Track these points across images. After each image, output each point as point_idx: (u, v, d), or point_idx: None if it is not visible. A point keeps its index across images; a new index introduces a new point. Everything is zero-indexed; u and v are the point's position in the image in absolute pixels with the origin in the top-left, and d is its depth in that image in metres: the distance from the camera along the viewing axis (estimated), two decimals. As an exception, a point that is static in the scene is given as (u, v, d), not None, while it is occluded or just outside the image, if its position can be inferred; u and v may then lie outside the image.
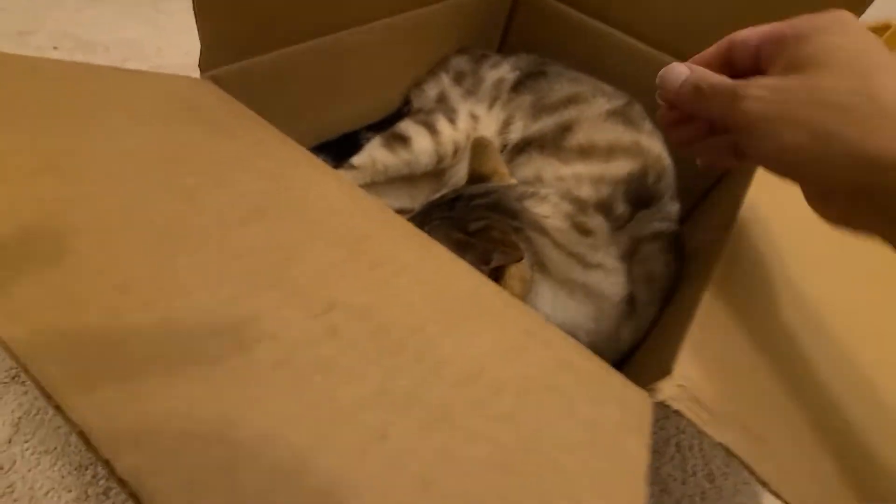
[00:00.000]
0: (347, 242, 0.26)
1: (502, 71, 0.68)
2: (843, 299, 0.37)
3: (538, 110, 0.61)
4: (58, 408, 0.13)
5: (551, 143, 0.57)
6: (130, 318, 0.16)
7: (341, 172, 0.59)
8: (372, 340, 0.20)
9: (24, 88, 0.26)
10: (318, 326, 0.19)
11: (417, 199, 0.66)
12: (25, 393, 0.42)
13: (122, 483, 0.11)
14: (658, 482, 0.49)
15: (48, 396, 0.13)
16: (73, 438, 0.40)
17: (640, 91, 0.66)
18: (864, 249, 0.26)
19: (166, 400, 0.14)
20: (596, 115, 0.58)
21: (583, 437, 0.21)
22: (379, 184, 0.62)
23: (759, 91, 0.23)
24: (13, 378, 0.43)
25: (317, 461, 0.14)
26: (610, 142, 0.54)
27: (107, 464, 0.12)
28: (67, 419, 0.13)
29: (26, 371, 0.14)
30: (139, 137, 0.26)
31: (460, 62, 0.71)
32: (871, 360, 0.32)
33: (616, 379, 0.26)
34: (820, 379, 0.32)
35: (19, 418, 0.40)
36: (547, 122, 0.59)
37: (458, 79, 0.69)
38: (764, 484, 0.27)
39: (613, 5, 0.67)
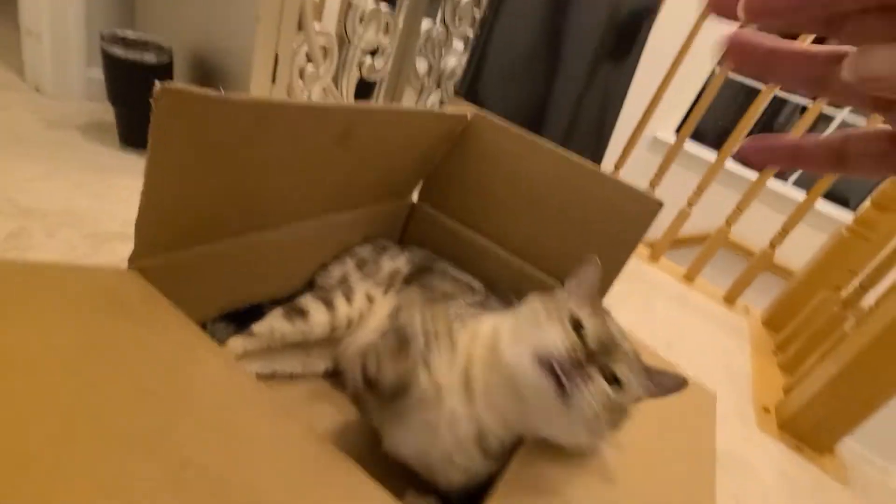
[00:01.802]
0: (216, 418, 0.35)
1: (398, 263, 0.86)
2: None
3: (421, 302, 0.76)
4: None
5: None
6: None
7: (238, 341, 0.67)
8: (213, 496, 0.28)
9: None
10: (168, 478, 0.27)
11: (309, 365, 0.75)
12: None
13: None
14: None
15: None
16: None
17: (499, 279, 0.86)
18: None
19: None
20: (462, 304, 0.75)
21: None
22: (275, 349, 0.71)
23: None
24: None
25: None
26: (470, 313, 0.68)
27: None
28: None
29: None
30: (65, 334, 0.35)
31: (364, 250, 0.88)
32: None
33: None
34: None
35: None
36: (425, 311, 0.74)
37: (361, 265, 0.85)
38: None
39: (483, 221, 0.90)
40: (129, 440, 0.29)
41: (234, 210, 0.60)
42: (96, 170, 1.06)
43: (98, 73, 1.28)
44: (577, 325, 0.47)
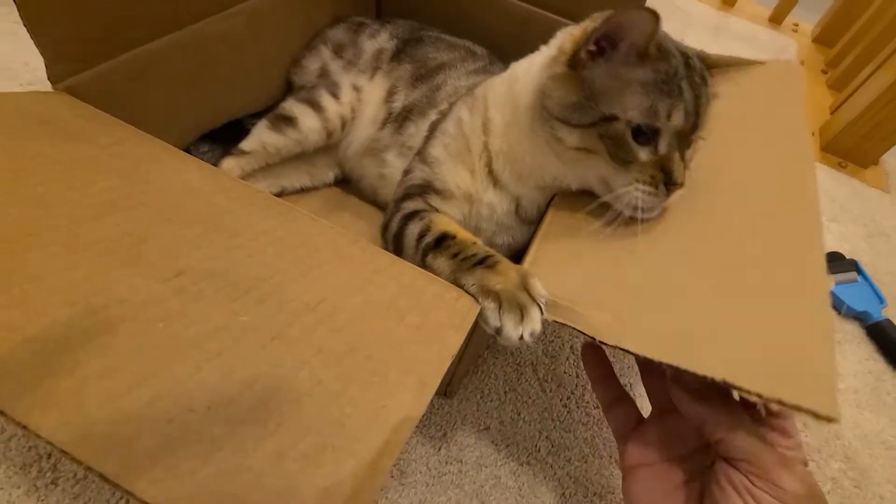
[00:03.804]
0: (204, 220, 0.30)
1: (381, 40, 0.71)
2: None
3: (416, 79, 0.64)
4: None
5: (426, 105, 0.61)
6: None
7: (231, 161, 0.61)
8: (218, 293, 0.25)
9: None
10: (166, 289, 0.24)
11: (317, 176, 0.69)
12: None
13: None
14: (554, 379, 0.58)
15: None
16: (13, 443, 0.43)
17: (501, 35, 0.71)
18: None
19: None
20: (462, 73, 0.63)
21: (406, 336, 0.27)
22: (274, 166, 0.65)
23: None
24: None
25: (157, 380, 0.19)
26: (470, 85, 0.58)
27: None
28: None
29: None
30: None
31: (338, 33, 0.73)
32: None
33: (452, 293, 0.32)
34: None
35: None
36: (423, 90, 0.63)
37: (338, 50, 0.71)
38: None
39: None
40: (108, 258, 0.25)
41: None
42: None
43: None
44: (648, 141, 0.41)
